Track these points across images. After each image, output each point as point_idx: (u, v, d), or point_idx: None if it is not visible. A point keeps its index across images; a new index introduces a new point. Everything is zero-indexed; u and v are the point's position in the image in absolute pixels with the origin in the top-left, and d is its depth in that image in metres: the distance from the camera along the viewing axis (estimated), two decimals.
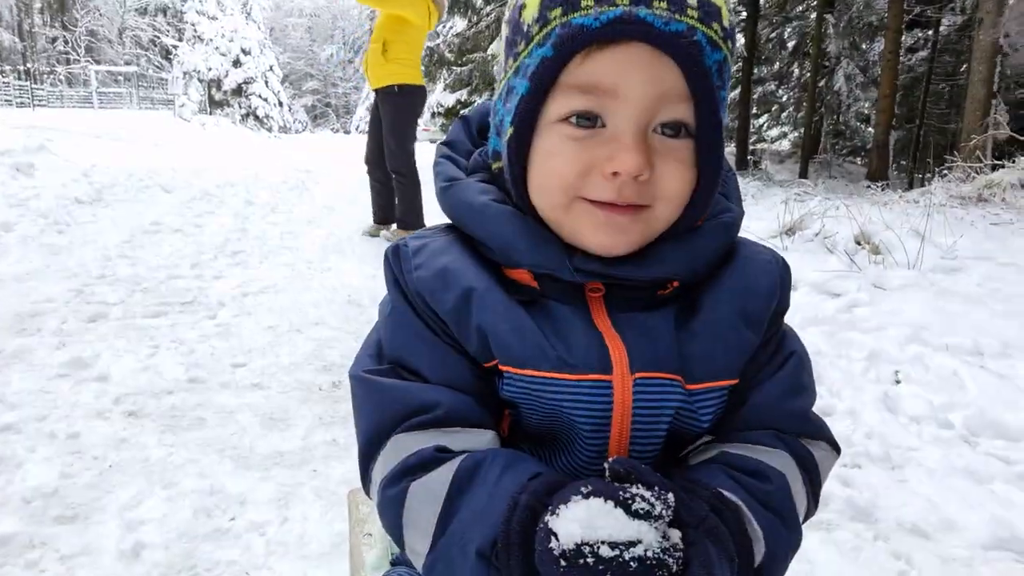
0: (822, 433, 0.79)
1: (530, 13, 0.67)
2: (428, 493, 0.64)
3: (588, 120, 0.66)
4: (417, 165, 5.49)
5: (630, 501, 0.53)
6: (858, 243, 5.04)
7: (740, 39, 16.82)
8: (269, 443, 2.31)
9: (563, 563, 0.51)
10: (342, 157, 15.50)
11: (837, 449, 0.81)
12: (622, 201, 0.66)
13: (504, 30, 0.74)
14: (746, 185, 9.21)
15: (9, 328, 3.14)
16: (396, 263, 0.76)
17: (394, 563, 0.93)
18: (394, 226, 5.85)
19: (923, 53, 16.05)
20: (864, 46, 15.73)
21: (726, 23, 0.67)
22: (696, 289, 0.75)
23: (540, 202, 0.70)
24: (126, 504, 1.92)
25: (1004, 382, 2.85)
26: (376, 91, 5.48)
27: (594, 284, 0.72)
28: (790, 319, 3.09)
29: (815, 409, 0.81)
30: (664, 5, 0.62)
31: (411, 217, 5.58)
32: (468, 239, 0.75)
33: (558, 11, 0.64)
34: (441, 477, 0.64)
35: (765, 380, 0.77)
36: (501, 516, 0.58)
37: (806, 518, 0.75)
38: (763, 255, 0.79)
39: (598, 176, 0.66)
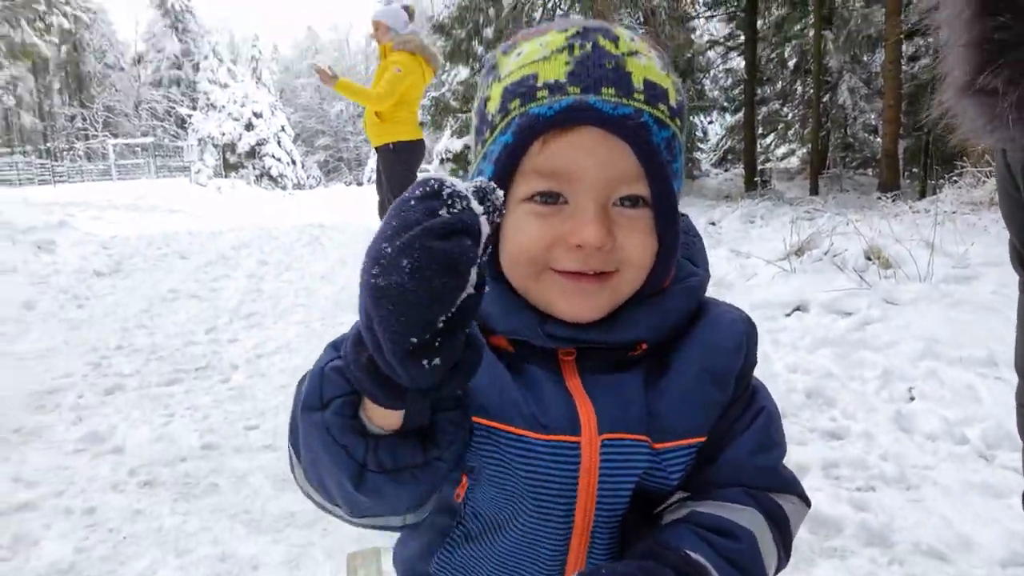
0: (792, 487, 0.80)
1: (493, 105, 0.73)
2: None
3: (551, 197, 0.70)
4: None
5: None
6: (868, 258, 5.00)
7: (740, 62, 16.97)
8: (280, 504, 2.33)
9: None
10: (354, 208, 15.75)
11: (807, 502, 0.82)
12: (588, 270, 0.70)
13: (473, 119, 0.80)
14: (755, 207, 9.20)
15: (28, 406, 3.22)
16: None
17: None
18: None
19: (925, 60, 16.05)
20: (866, 58, 15.79)
21: (673, 102, 0.72)
22: (665, 349, 0.77)
23: (511, 273, 0.74)
24: (140, 575, 1.94)
25: None
26: (376, 148, 5.67)
27: (566, 348, 0.75)
28: (801, 341, 3.08)
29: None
30: (612, 91, 0.67)
31: None
32: None
33: (517, 102, 0.70)
34: None
35: (735, 437, 0.78)
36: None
37: (777, 571, 0.76)
38: (729, 314, 0.81)
39: (563, 248, 0.70)
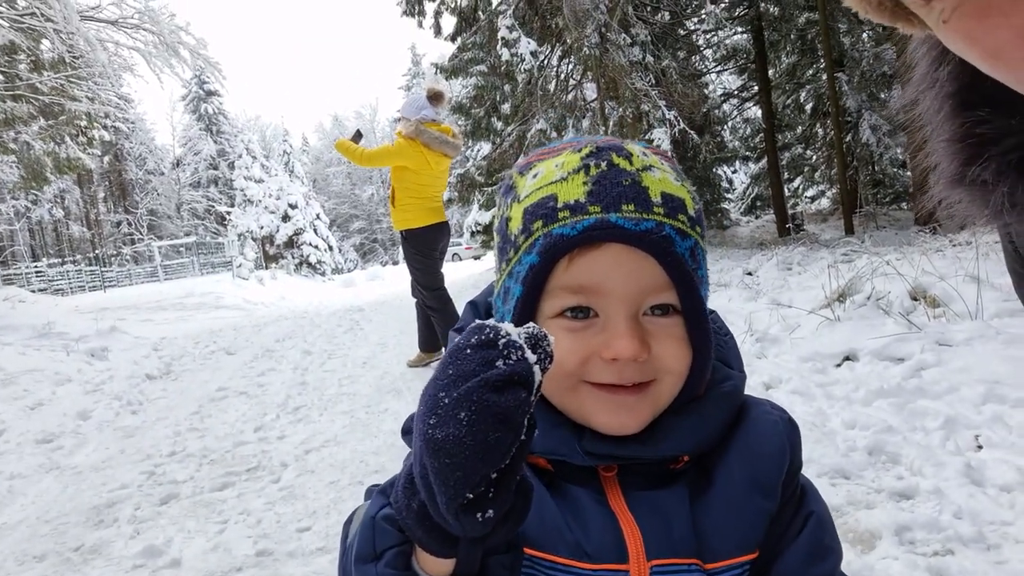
0: None
1: (515, 225, 0.75)
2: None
3: (582, 312, 0.71)
4: (448, 292, 5.97)
5: None
6: (914, 299, 4.88)
7: (757, 111, 17.12)
8: None
9: None
10: (390, 289, 15.98)
11: None
12: (625, 382, 0.69)
13: (495, 238, 0.81)
14: (790, 253, 9.10)
15: (87, 521, 3.26)
16: None
17: None
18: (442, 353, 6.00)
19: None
20: (883, 95, 15.80)
21: (691, 212, 0.73)
22: (707, 458, 0.76)
23: (546, 390, 0.73)
24: None
25: None
26: None
27: (607, 465, 0.74)
28: (856, 393, 2.99)
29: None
30: (632, 208, 0.69)
31: None
32: None
33: (539, 223, 0.71)
34: None
35: (786, 547, 0.75)
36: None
37: None
38: (769, 416, 0.79)
39: (598, 361, 0.70)
